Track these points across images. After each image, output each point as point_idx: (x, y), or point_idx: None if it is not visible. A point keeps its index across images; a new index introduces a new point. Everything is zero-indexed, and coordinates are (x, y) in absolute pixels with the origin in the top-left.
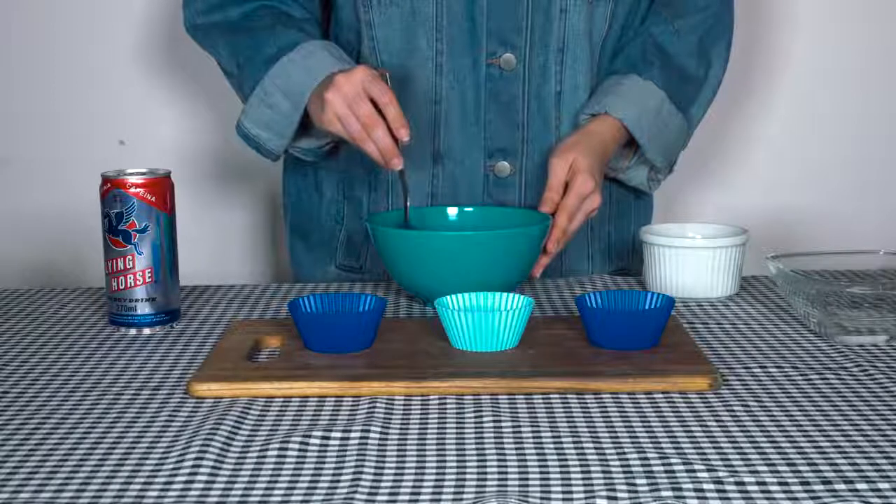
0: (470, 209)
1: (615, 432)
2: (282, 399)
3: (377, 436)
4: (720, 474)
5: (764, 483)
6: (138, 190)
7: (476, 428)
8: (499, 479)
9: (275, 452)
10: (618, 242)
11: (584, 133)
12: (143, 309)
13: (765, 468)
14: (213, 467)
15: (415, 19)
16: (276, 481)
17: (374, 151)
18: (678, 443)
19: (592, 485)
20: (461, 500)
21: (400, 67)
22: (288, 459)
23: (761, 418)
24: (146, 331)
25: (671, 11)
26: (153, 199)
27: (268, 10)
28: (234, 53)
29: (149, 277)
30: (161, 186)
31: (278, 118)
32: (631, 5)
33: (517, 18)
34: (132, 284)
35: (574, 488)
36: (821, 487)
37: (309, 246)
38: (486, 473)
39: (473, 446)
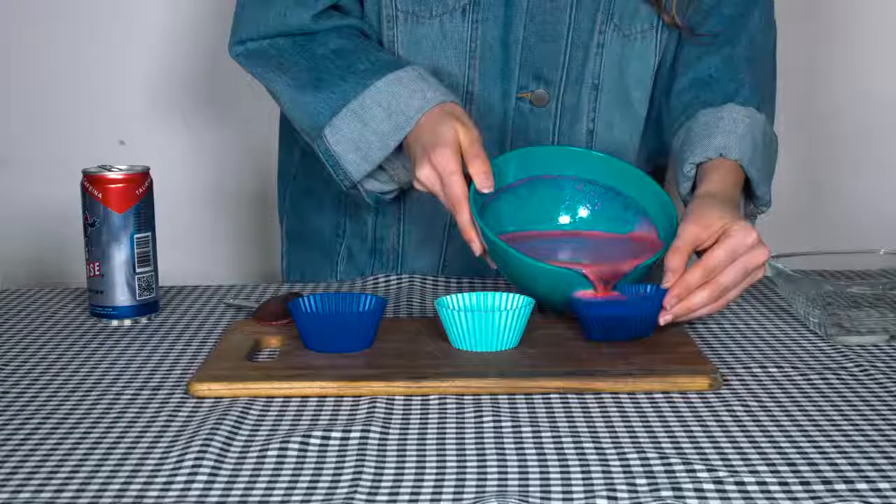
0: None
1: (615, 432)
2: (282, 399)
3: (377, 436)
4: (720, 474)
5: (764, 483)
6: (88, 185)
7: (476, 428)
8: (499, 479)
9: (275, 452)
10: None
11: (712, 194)
12: (93, 299)
13: (765, 468)
14: (213, 467)
15: (445, 41)
16: (276, 481)
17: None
18: (678, 443)
19: (592, 485)
20: (461, 500)
21: None
22: (288, 459)
23: (761, 418)
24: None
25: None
26: (99, 195)
27: (349, 28)
28: (312, 68)
29: (97, 271)
30: (103, 183)
31: (372, 138)
32: (671, 39)
33: (556, 53)
34: (89, 274)
35: (574, 488)
36: (821, 487)
37: (307, 255)
38: (486, 473)
39: (473, 446)
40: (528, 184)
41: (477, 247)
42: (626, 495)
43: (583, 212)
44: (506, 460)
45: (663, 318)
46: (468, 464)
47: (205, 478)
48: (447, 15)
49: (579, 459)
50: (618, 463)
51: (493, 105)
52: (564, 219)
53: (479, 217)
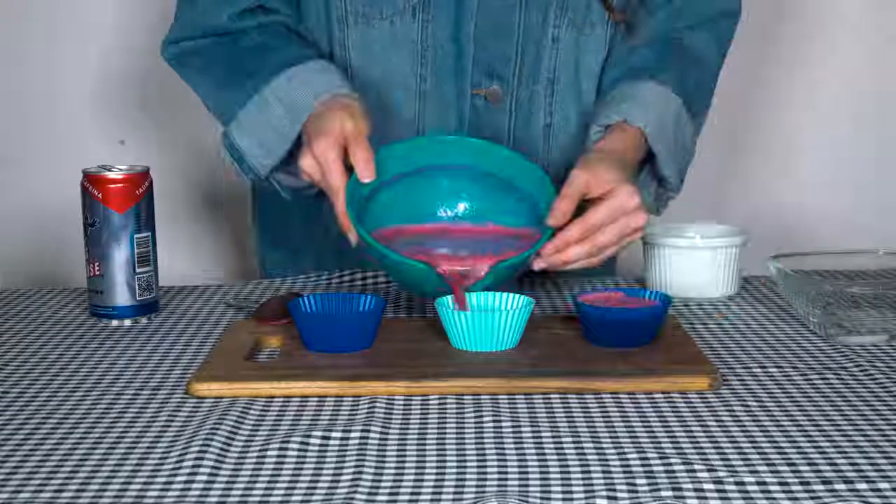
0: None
1: (615, 432)
2: (282, 399)
3: (377, 436)
4: (720, 474)
5: (764, 483)
6: (88, 185)
7: (476, 428)
8: (499, 479)
9: (275, 452)
10: None
11: (606, 149)
12: (93, 299)
13: (765, 468)
14: (213, 467)
15: (396, 42)
16: (276, 481)
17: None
18: (678, 443)
19: (592, 485)
20: (461, 500)
21: (377, 93)
22: (288, 459)
23: (761, 418)
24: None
25: (685, 18)
26: (99, 195)
27: (275, 25)
28: (230, 66)
29: (97, 271)
30: (103, 183)
31: (272, 133)
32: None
33: (507, 50)
34: (89, 274)
35: (574, 488)
36: (821, 487)
37: (281, 253)
38: (486, 473)
39: (473, 446)
40: (413, 175)
41: (353, 237)
42: (626, 495)
43: (469, 203)
44: (506, 460)
45: (537, 265)
46: (468, 464)
47: (205, 478)
48: (397, 16)
49: (579, 459)
50: (618, 463)
51: (448, 104)
52: (448, 212)
53: (362, 208)
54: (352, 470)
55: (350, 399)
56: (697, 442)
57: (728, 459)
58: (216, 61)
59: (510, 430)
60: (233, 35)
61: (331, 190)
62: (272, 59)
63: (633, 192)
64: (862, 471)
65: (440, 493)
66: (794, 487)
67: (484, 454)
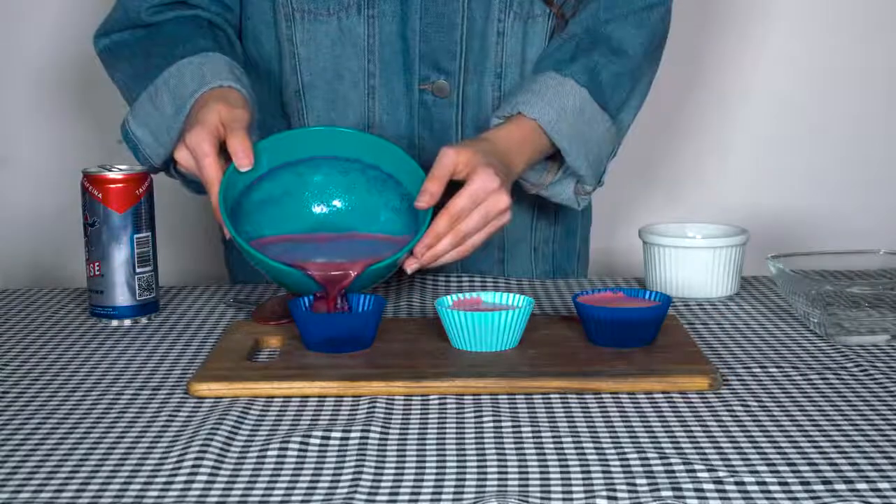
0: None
1: (615, 432)
2: (282, 399)
3: (377, 436)
4: (720, 474)
5: (764, 483)
6: (88, 185)
7: (476, 428)
8: (499, 479)
9: (275, 452)
10: (562, 259)
11: (486, 136)
12: (93, 299)
13: (765, 468)
14: (213, 467)
15: (343, 38)
16: (276, 481)
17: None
18: (678, 443)
19: (592, 485)
20: (461, 500)
21: (327, 88)
22: (288, 459)
23: (761, 418)
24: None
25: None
26: (99, 195)
27: (192, 19)
28: (144, 58)
29: (97, 271)
30: (103, 183)
31: (161, 121)
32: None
33: (451, 43)
34: (89, 274)
35: (574, 488)
36: (821, 487)
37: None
38: (486, 473)
39: (473, 446)
40: (294, 167)
41: (226, 231)
42: (626, 495)
43: (343, 198)
44: (506, 460)
45: (410, 267)
46: (468, 464)
47: (205, 478)
48: (343, 12)
49: (579, 459)
50: (618, 463)
51: (398, 98)
52: (323, 207)
53: (241, 200)
54: (352, 470)
55: (350, 399)
56: (697, 442)
57: (728, 459)
58: (132, 54)
59: (510, 430)
60: (152, 28)
61: (204, 182)
62: (173, 52)
63: (491, 174)
64: (862, 471)
65: (440, 493)
66: (794, 487)
67: (484, 454)
